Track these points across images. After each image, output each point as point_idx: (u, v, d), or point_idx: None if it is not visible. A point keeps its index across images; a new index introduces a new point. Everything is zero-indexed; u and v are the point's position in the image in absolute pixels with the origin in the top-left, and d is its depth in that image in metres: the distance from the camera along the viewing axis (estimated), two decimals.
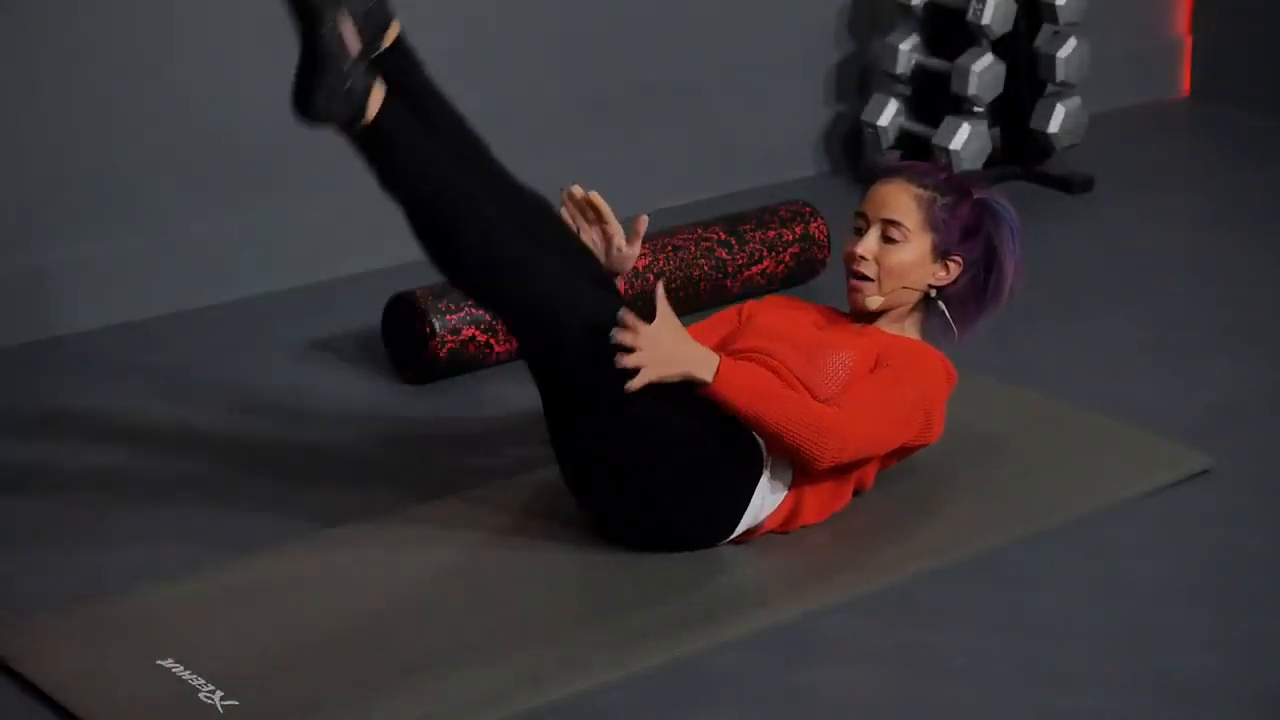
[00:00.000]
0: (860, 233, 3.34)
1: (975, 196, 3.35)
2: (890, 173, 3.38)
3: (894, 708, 2.87)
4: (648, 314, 3.10)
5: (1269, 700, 2.89)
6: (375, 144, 3.07)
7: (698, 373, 3.07)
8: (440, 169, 3.09)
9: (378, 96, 3.04)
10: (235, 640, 2.95)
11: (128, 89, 4.13)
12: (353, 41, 3.00)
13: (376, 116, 3.04)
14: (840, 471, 3.24)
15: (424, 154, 3.08)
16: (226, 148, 4.29)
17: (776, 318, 3.36)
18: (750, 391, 3.09)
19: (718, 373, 3.07)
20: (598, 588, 3.13)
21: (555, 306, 3.09)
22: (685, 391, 3.09)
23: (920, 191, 3.32)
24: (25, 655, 2.91)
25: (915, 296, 3.35)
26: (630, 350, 3.03)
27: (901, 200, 3.32)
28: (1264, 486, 3.53)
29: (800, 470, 3.19)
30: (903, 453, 3.33)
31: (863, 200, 3.36)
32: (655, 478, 3.12)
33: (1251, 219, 4.96)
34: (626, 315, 3.03)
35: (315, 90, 3.00)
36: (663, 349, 3.05)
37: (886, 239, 3.31)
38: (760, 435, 3.13)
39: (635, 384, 3.03)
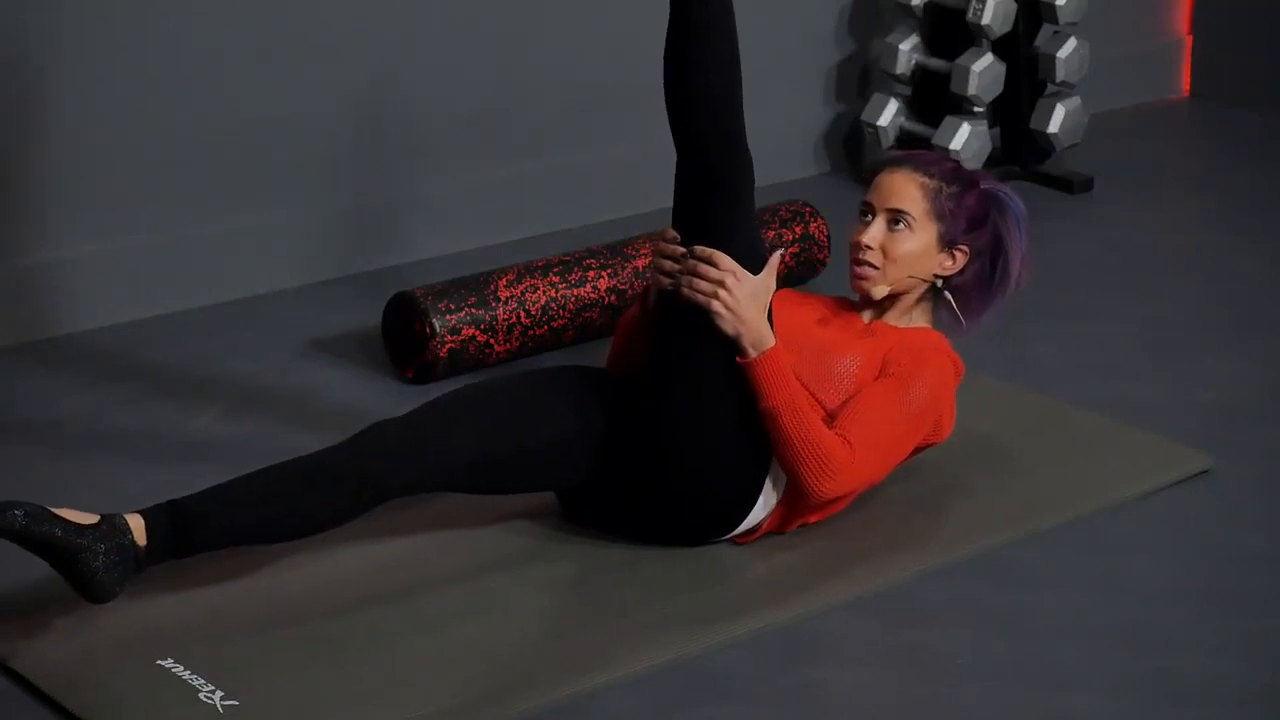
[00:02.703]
0: (866, 221, 3.34)
1: (981, 186, 3.35)
2: (896, 162, 3.37)
3: (894, 708, 2.87)
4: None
5: (1269, 700, 2.89)
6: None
7: (747, 343, 3.10)
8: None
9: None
10: (235, 640, 2.95)
11: (127, 88, 4.13)
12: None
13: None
14: None
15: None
16: (226, 147, 4.29)
17: (783, 319, 3.35)
18: (783, 393, 3.10)
19: (764, 355, 3.10)
20: (598, 588, 3.13)
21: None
22: (740, 373, 3.12)
23: (926, 181, 3.32)
24: (25, 655, 2.91)
25: (922, 286, 3.35)
26: (719, 284, 3.09)
27: (908, 189, 3.31)
28: (1264, 486, 3.53)
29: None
30: (914, 452, 3.33)
31: (868, 189, 3.36)
32: (692, 444, 3.12)
33: (1251, 219, 4.96)
34: (725, 259, 3.09)
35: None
36: (740, 302, 3.09)
37: (892, 227, 3.31)
38: (774, 443, 3.13)
39: (698, 298, 3.09)
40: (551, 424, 3.15)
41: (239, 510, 2.98)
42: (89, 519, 2.89)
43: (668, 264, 3.17)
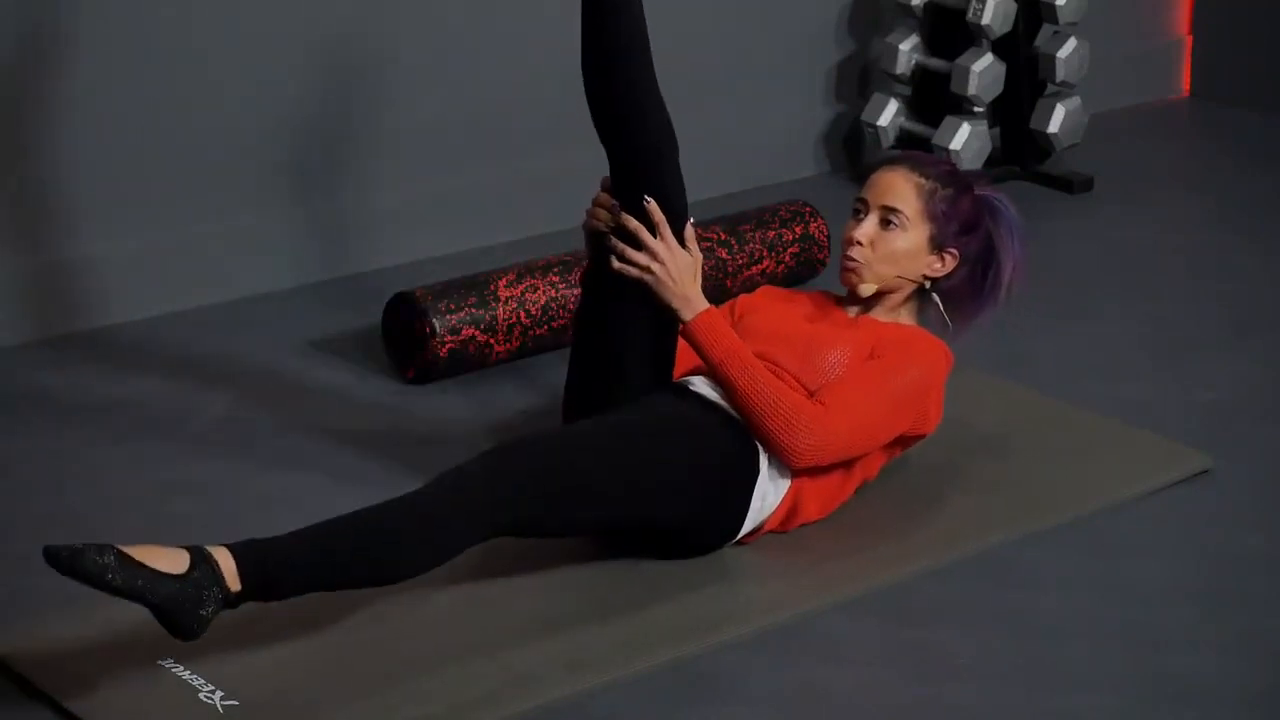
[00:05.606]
0: (859, 217, 3.34)
1: (976, 192, 3.35)
2: (893, 161, 3.39)
3: (894, 708, 2.87)
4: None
5: (1269, 700, 2.89)
6: (263, 591, 2.81)
7: (681, 308, 3.18)
8: (324, 536, 2.87)
9: (228, 566, 2.77)
10: (235, 640, 2.95)
11: (129, 90, 4.13)
12: (154, 558, 2.72)
13: (240, 583, 2.78)
14: (842, 466, 3.24)
15: (306, 551, 2.84)
16: (227, 149, 4.29)
17: (770, 316, 3.36)
18: (726, 351, 3.14)
19: (698, 317, 3.17)
20: (599, 588, 3.13)
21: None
22: (672, 415, 3.15)
23: (922, 181, 3.32)
24: (25, 655, 2.91)
25: (910, 286, 3.35)
26: (650, 254, 3.17)
27: (902, 188, 3.32)
28: (1264, 486, 3.53)
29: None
30: (904, 441, 3.33)
31: (863, 186, 3.37)
32: (654, 506, 3.10)
33: (1251, 219, 4.96)
34: (664, 226, 3.18)
35: (183, 628, 2.74)
36: (670, 272, 3.17)
37: (884, 225, 3.31)
38: (735, 409, 3.14)
39: (629, 272, 3.18)
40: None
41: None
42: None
43: (603, 214, 3.23)
